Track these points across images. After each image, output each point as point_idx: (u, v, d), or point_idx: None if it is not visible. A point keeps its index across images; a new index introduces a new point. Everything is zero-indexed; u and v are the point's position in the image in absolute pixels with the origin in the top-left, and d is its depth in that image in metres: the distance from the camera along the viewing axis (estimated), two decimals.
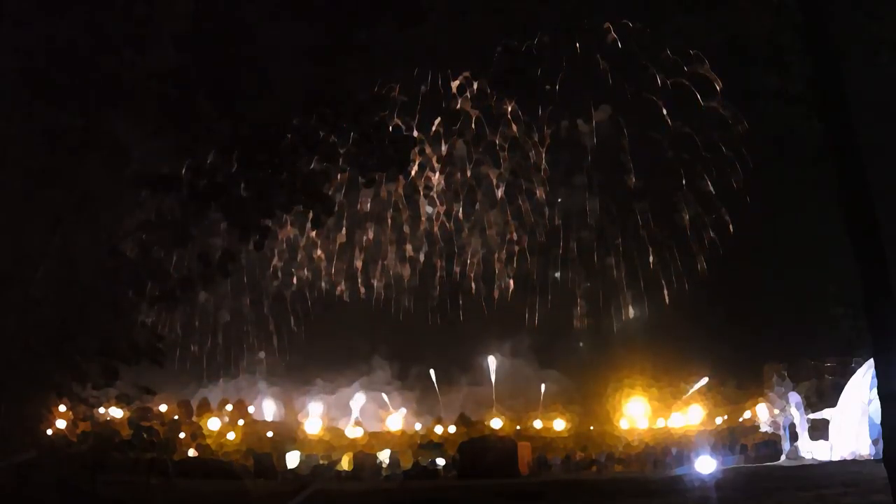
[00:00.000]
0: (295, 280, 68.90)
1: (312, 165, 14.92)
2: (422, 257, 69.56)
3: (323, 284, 68.93)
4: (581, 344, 68.33)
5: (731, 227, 61.39)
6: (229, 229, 15.03)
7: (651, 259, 65.05)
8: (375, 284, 69.08)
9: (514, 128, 65.43)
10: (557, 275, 65.18)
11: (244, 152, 14.11)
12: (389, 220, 68.52)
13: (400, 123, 56.35)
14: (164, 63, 13.41)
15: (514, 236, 67.55)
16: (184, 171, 14.49)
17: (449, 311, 68.19)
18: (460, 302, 68.00)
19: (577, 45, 60.85)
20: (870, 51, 12.18)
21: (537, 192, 66.80)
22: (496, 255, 68.86)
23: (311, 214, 15.08)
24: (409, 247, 68.57)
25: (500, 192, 66.14)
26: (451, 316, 67.81)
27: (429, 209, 64.99)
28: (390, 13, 13.77)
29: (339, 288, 68.22)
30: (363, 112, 14.68)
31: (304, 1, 14.04)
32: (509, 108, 63.09)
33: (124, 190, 15.20)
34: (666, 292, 65.16)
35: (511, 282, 67.75)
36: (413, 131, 60.81)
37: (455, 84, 63.88)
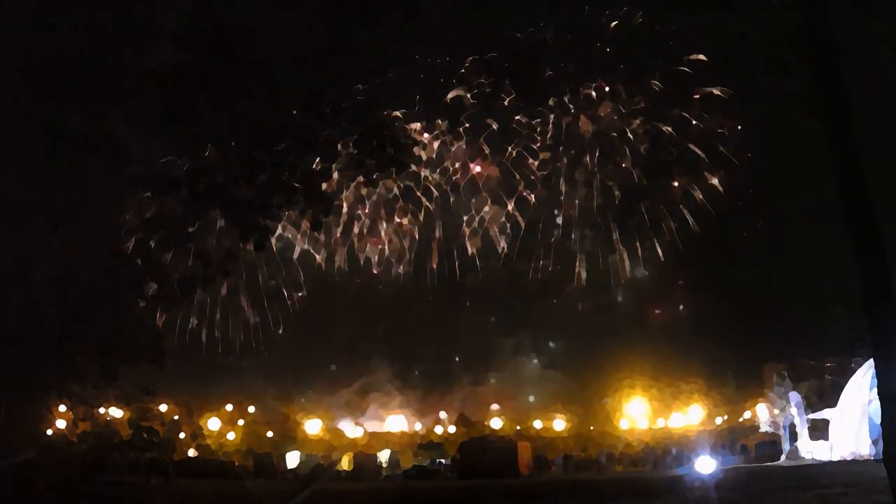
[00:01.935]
0: (293, 260, 68.63)
1: (312, 165, 14.92)
2: (413, 252, 69.38)
3: (320, 260, 68.62)
4: (580, 306, 67.78)
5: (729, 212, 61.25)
6: (229, 229, 15.03)
7: (658, 249, 64.99)
8: (374, 259, 68.84)
9: (514, 117, 65.26)
10: (555, 233, 64.95)
11: (244, 152, 14.11)
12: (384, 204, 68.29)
13: (399, 114, 56.02)
14: (165, 63, 13.41)
15: (512, 207, 67.43)
16: (184, 171, 14.49)
17: (447, 295, 68.09)
18: (457, 269, 67.84)
19: (576, 38, 60.65)
20: (870, 51, 12.18)
21: (536, 182, 66.69)
22: (495, 242, 68.75)
23: (310, 214, 15.09)
24: (405, 228, 68.38)
25: (505, 153, 65.79)
26: (450, 306, 67.75)
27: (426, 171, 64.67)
28: (390, 13, 13.78)
29: (337, 260, 67.90)
30: (363, 112, 14.69)
31: (304, 1, 14.05)
32: (508, 99, 62.92)
33: (124, 190, 15.21)
34: (658, 260, 65.11)
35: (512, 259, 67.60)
36: (412, 125, 60.65)
37: (455, 78, 63.73)
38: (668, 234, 64.23)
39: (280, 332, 69.13)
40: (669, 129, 62.77)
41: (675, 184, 63.60)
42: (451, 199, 68.51)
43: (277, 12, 14.03)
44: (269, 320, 69.60)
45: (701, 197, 63.43)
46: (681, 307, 64.63)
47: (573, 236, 66.59)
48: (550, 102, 62.21)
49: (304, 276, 69.48)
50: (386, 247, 69.54)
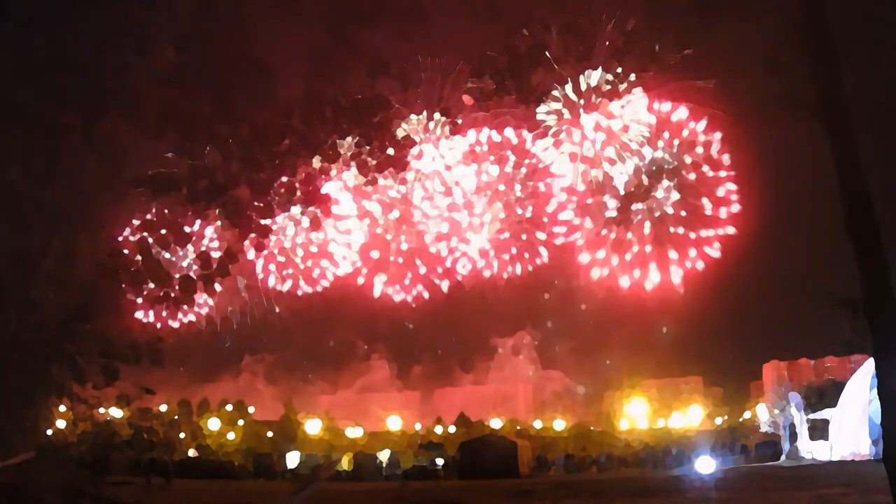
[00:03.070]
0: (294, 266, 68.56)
1: (312, 165, 14.92)
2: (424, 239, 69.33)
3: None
4: (583, 307, 67.67)
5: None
6: (229, 229, 15.05)
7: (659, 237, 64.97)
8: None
9: (513, 122, 65.35)
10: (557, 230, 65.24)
11: (244, 153, 14.13)
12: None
13: (398, 110, 55.83)
14: (165, 63, 13.42)
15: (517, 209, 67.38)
16: (184, 171, 14.50)
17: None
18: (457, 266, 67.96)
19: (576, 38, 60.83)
20: (870, 51, 12.19)
21: (537, 182, 66.71)
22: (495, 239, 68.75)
23: (310, 213, 15.11)
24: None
25: (506, 150, 65.87)
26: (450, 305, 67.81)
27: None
28: (391, 13, 13.79)
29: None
30: (363, 112, 14.70)
31: (304, 2, 14.06)
32: (507, 101, 62.91)
33: (124, 190, 15.22)
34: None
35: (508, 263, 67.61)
36: (412, 126, 60.68)
37: (454, 79, 63.83)
38: (667, 232, 64.33)
39: (284, 363, 69.43)
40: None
41: (671, 182, 63.71)
42: (452, 196, 68.54)
43: (277, 12, 14.04)
44: (269, 319, 69.64)
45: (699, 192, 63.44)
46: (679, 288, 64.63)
47: (573, 233, 66.70)
48: (556, 93, 62.42)
49: (304, 273, 69.53)
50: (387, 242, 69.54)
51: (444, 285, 69.04)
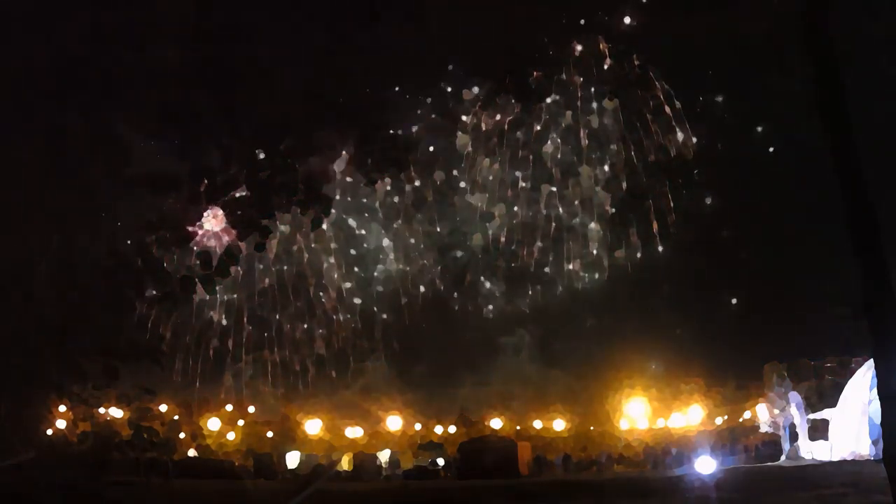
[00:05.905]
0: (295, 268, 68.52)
1: (312, 166, 14.92)
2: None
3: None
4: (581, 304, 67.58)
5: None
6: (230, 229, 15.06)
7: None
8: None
9: (516, 124, 65.45)
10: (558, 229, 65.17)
11: (244, 152, 14.13)
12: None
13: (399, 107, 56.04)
14: (165, 63, 13.42)
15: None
16: (184, 171, 14.51)
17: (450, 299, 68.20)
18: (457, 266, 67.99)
19: (578, 44, 61.06)
20: (870, 51, 12.20)
21: (539, 179, 66.79)
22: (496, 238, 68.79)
23: (310, 213, 15.10)
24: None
25: (507, 149, 65.96)
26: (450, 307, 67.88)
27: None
28: (391, 14, 13.80)
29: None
30: (364, 112, 14.71)
31: (305, 2, 14.07)
32: (509, 104, 63.08)
33: (124, 190, 15.21)
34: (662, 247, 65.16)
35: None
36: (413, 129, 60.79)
37: (456, 82, 63.85)
38: (668, 232, 64.44)
39: (284, 363, 69.40)
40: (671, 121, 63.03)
41: (672, 183, 63.90)
42: (455, 195, 68.53)
43: (278, 12, 14.05)
44: (272, 340, 69.78)
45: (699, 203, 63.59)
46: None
47: (571, 234, 66.82)
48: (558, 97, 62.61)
49: (307, 272, 69.54)
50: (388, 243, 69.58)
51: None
